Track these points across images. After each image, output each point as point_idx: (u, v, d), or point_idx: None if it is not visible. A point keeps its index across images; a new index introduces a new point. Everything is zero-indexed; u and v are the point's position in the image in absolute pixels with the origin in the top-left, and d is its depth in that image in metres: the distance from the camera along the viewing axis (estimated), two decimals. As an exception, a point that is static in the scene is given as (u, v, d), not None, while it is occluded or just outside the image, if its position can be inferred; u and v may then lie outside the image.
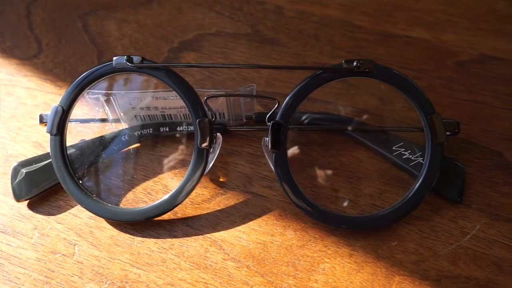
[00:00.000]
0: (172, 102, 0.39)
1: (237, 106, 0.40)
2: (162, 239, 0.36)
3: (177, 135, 0.41)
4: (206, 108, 0.36)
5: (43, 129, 0.40)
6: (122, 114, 0.40)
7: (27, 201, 0.39)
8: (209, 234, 0.36)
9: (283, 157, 0.36)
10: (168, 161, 0.40)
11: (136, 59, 0.37)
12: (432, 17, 0.48)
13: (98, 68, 0.37)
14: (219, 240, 0.36)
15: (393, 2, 0.50)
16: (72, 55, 0.48)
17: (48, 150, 0.38)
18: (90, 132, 0.41)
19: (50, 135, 0.37)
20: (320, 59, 0.46)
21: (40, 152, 0.41)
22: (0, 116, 0.44)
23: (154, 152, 0.41)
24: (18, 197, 0.38)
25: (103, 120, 0.41)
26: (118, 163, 0.40)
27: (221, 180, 0.39)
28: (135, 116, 0.41)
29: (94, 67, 0.38)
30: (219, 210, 0.38)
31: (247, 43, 0.47)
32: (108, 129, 0.41)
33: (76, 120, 0.41)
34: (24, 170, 0.38)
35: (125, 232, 0.37)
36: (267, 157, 0.37)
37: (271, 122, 0.36)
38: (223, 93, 0.39)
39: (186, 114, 0.40)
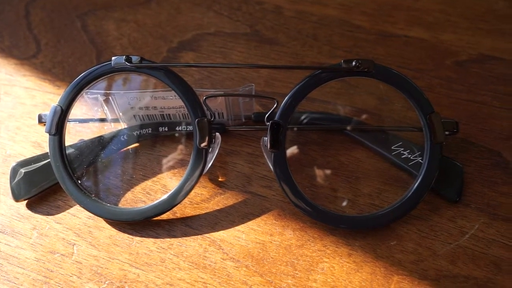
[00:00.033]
0: (171, 102, 0.39)
1: (236, 106, 0.40)
2: (161, 239, 0.36)
3: (176, 135, 0.41)
4: (205, 108, 0.36)
5: (42, 129, 0.40)
6: (121, 114, 0.40)
7: (26, 201, 0.39)
8: (208, 234, 0.36)
9: (282, 157, 0.36)
10: (167, 161, 0.40)
11: (135, 59, 0.37)
12: (431, 16, 0.48)
13: (97, 68, 0.37)
14: (218, 240, 0.36)
15: (392, 2, 0.50)
16: (71, 55, 0.48)
17: (47, 150, 0.38)
18: (89, 132, 0.41)
19: (49, 135, 0.37)
20: (319, 59, 0.46)
21: (39, 152, 0.41)
22: (-2, 116, 0.44)
23: (153, 152, 0.41)
24: (17, 197, 0.38)
25: (102, 120, 0.41)
26: (117, 163, 0.40)
27: (220, 180, 0.39)
28: (134, 116, 0.41)
29: (93, 67, 0.38)
30: (218, 210, 0.38)
31: (246, 43, 0.47)
32: (107, 129, 0.41)
33: (75, 120, 0.41)
34: (23, 170, 0.38)
35: (124, 232, 0.37)
36: (266, 156, 0.37)
37: (270, 122, 0.36)
38: (222, 93, 0.39)
39: (185, 114, 0.40)
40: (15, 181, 0.38)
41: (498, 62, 0.44)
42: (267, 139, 0.36)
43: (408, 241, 0.35)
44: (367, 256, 0.35)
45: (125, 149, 0.41)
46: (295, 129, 0.41)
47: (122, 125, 0.41)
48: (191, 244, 0.36)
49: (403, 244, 0.35)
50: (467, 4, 0.49)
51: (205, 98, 0.36)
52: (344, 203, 0.37)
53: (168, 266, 0.35)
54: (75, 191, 0.37)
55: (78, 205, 0.37)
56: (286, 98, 0.36)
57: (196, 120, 0.36)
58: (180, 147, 0.41)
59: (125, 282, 0.35)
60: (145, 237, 0.37)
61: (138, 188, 0.39)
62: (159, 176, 0.40)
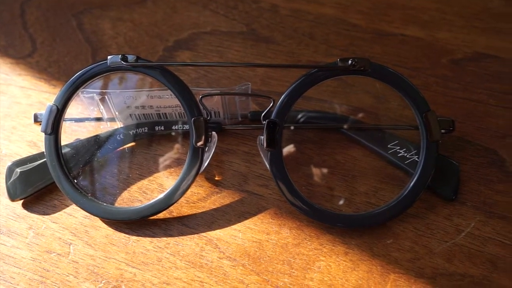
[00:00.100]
0: (167, 101, 0.39)
1: (233, 105, 0.40)
2: (158, 238, 0.36)
3: (172, 134, 0.41)
4: (201, 107, 0.36)
5: (38, 128, 0.40)
6: (117, 113, 0.40)
7: (22, 201, 0.38)
8: (204, 233, 0.36)
9: (278, 156, 0.36)
10: (163, 160, 0.40)
11: (130, 58, 0.37)
12: (426, 15, 0.48)
13: (92, 67, 0.37)
14: (214, 238, 0.36)
15: (388, 1, 0.50)
16: (67, 54, 0.47)
17: (42, 149, 0.38)
18: (85, 131, 0.41)
19: (45, 134, 0.37)
20: (315, 58, 0.46)
21: (34, 151, 0.41)
22: (-6, 116, 0.44)
23: (149, 151, 0.41)
24: (12, 197, 0.38)
25: (98, 119, 0.41)
26: (113, 162, 0.40)
27: (216, 179, 0.39)
28: (130, 115, 0.40)
29: (89, 66, 0.37)
30: (214, 209, 0.38)
31: (242, 42, 0.47)
32: (103, 128, 0.41)
33: (70, 119, 0.41)
34: (18, 170, 0.38)
35: (121, 231, 0.37)
36: (262, 155, 0.37)
37: (266, 120, 0.36)
38: (218, 91, 0.39)
39: (181, 113, 0.40)
40: (11, 180, 0.38)
41: (494, 60, 0.44)
42: (263, 138, 0.36)
43: (404, 239, 0.35)
44: (363, 255, 0.35)
45: (121, 148, 0.41)
46: (292, 128, 0.41)
47: (118, 124, 0.41)
48: (188, 243, 0.36)
49: (399, 242, 0.35)
50: (463, 3, 0.49)
51: (201, 97, 0.36)
52: (341, 202, 0.38)
53: (164, 265, 0.35)
54: (71, 190, 0.37)
55: (74, 205, 0.37)
56: (282, 97, 0.36)
57: (192, 119, 0.36)
58: (177, 146, 0.41)
59: (122, 282, 0.35)
60: (141, 236, 0.36)
61: (134, 187, 0.39)
62: (155, 175, 0.39)
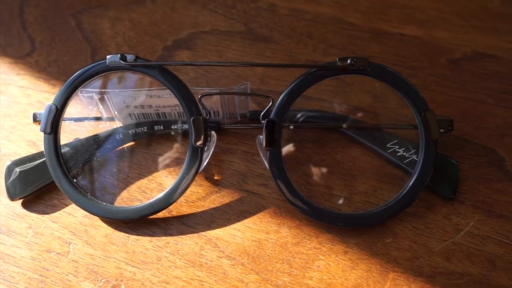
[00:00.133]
0: (166, 100, 0.39)
1: (232, 104, 0.40)
2: (157, 237, 0.36)
3: (172, 133, 0.41)
4: (200, 106, 0.36)
5: (37, 128, 0.40)
6: (116, 112, 0.40)
7: (21, 200, 0.38)
8: (204, 232, 0.36)
9: (277, 155, 0.36)
10: (162, 159, 0.40)
11: (130, 57, 0.37)
12: (424, 14, 0.48)
13: (91, 66, 0.37)
14: (214, 238, 0.36)
15: (386, 0, 0.50)
16: (66, 53, 0.47)
17: (42, 148, 0.38)
18: (84, 131, 0.41)
19: (44, 133, 0.37)
20: (314, 57, 0.46)
21: (34, 151, 0.41)
22: (-7, 115, 0.44)
23: (149, 151, 0.41)
24: (12, 196, 0.38)
25: (97, 119, 0.41)
26: (113, 162, 0.40)
27: (215, 178, 0.39)
28: (129, 114, 0.41)
29: (88, 66, 0.37)
30: (214, 208, 0.38)
31: (240, 41, 0.47)
32: (102, 127, 0.41)
33: (70, 119, 0.41)
34: (18, 169, 0.38)
35: (120, 230, 0.37)
36: (261, 155, 0.37)
37: (265, 120, 0.36)
38: (217, 91, 0.39)
39: (180, 112, 0.40)
40: (10, 180, 0.38)
41: (492, 60, 0.44)
42: (262, 137, 0.36)
43: (403, 239, 0.36)
44: (362, 254, 0.35)
45: (120, 147, 0.41)
46: (291, 127, 0.41)
47: (117, 124, 0.41)
48: (187, 242, 0.36)
49: (398, 241, 0.35)
50: (461, 2, 0.49)
51: (200, 97, 0.36)
52: (340, 201, 0.38)
53: (164, 264, 0.35)
54: (70, 190, 0.37)
55: (73, 204, 0.37)
56: (281, 96, 0.36)
57: (192, 118, 0.36)
58: (176, 145, 0.41)
59: (121, 281, 0.35)
60: (141, 235, 0.37)
61: (133, 187, 0.39)
62: (154, 174, 0.40)
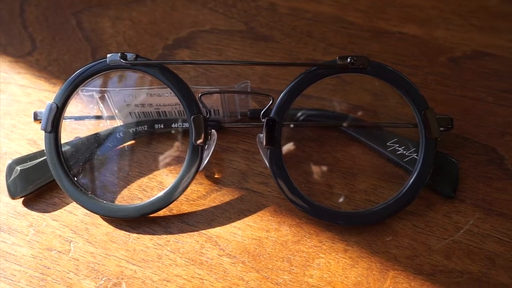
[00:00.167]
0: (166, 99, 0.39)
1: (232, 103, 0.40)
2: (158, 236, 0.36)
3: (172, 132, 0.41)
4: (200, 105, 0.36)
5: (38, 127, 0.40)
6: (116, 111, 0.40)
7: (22, 199, 0.39)
8: (204, 230, 0.37)
9: (277, 154, 0.36)
10: (163, 158, 0.40)
11: (130, 56, 0.37)
12: (424, 13, 0.48)
13: (92, 65, 0.37)
14: (214, 236, 0.36)
15: (386, -1, 0.50)
16: (66, 52, 0.47)
17: (42, 147, 0.38)
18: (85, 130, 0.41)
19: (45, 132, 0.37)
20: (314, 56, 0.46)
21: (34, 149, 0.41)
22: (-6, 114, 0.44)
23: (149, 149, 0.41)
24: (13, 195, 0.38)
25: (98, 117, 0.41)
26: (113, 160, 0.40)
27: (216, 176, 0.39)
28: (129, 113, 0.41)
29: (88, 64, 0.38)
30: (214, 206, 0.38)
31: (241, 40, 0.48)
32: (103, 126, 0.41)
33: (70, 118, 0.41)
34: (19, 168, 0.38)
35: (121, 228, 0.37)
36: (262, 153, 0.37)
37: (266, 118, 0.36)
38: (218, 89, 0.39)
39: (180, 111, 0.40)
40: (11, 178, 0.38)
41: (492, 58, 0.45)
42: (262, 135, 0.36)
43: (403, 237, 0.36)
44: (362, 252, 0.35)
45: (121, 146, 0.41)
46: (291, 125, 0.41)
47: (118, 123, 0.41)
48: (188, 241, 0.36)
49: (398, 239, 0.36)
50: (460, 1, 0.49)
51: (200, 95, 0.36)
52: (340, 199, 0.38)
53: (164, 262, 0.35)
54: (71, 188, 0.37)
55: (74, 202, 0.37)
56: (281, 94, 0.36)
57: (192, 117, 0.36)
58: (176, 144, 0.41)
59: (122, 279, 0.35)
60: (141, 233, 0.37)
61: (134, 185, 0.39)
62: (155, 173, 0.40)
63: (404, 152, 0.38)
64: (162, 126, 0.41)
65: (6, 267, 0.36)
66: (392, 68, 0.37)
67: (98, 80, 0.39)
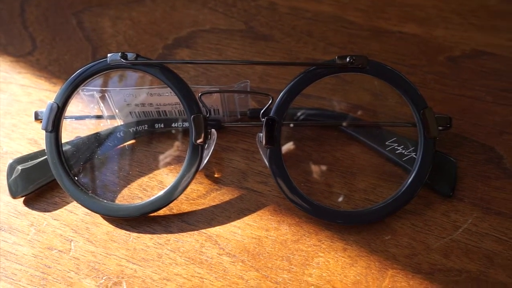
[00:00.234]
0: (166, 99, 0.39)
1: (232, 102, 0.40)
2: (158, 235, 0.37)
3: (172, 131, 0.41)
4: (200, 104, 0.37)
5: (38, 126, 0.40)
6: (117, 110, 0.41)
7: (23, 198, 0.39)
8: (204, 230, 0.37)
9: (277, 153, 0.36)
10: (163, 157, 0.40)
11: (130, 56, 0.37)
12: (423, 12, 0.48)
13: (92, 65, 0.38)
14: (214, 235, 0.36)
15: (386, -2, 0.50)
16: (67, 52, 0.48)
17: (43, 147, 0.38)
18: (85, 129, 0.41)
19: (46, 132, 0.37)
20: (314, 55, 0.46)
21: (35, 149, 0.41)
22: (-5, 114, 0.44)
23: (149, 149, 0.41)
24: (14, 194, 0.38)
25: (98, 117, 0.42)
26: (114, 160, 0.40)
27: (216, 176, 0.39)
28: (130, 112, 0.41)
29: (89, 64, 0.38)
30: (214, 205, 0.38)
31: (241, 40, 0.48)
32: (103, 125, 0.42)
33: (71, 117, 0.41)
34: (19, 167, 0.38)
35: (121, 228, 0.37)
36: (261, 152, 0.37)
37: (265, 118, 0.36)
38: (218, 89, 0.39)
39: (180, 111, 0.40)
40: (12, 178, 0.38)
41: (491, 57, 0.45)
42: (262, 135, 0.36)
43: (402, 236, 0.36)
44: (361, 251, 0.35)
45: (121, 145, 0.41)
46: (291, 125, 0.41)
47: (118, 122, 0.41)
48: (188, 240, 0.36)
49: (397, 238, 0.36)
50: (460, 0, 0.49)
51: (200, 95, 0.37)
52: (339, 198, 0.38)
53: (165, 261, 0.35)
54: (72, 187, 0.37)
55: (75, 202, 0.37)
56: (281, 94, 0.36)
57: (192, 116, 0.36)
58: (176, 143, 0.41)
59: (122, 278, 0.35)
60: (142, 233, 0.37)
61: (134, 185, 0.39)
62: (155, 172, 0.40)
63: (403, 151, 0.38)
64: (162, 125, 0.41)
65: (7, 266, 0.36)
66: (391, 67, 0.37)
67: (98, 80, 0.39)
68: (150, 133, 0.41)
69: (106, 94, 0.39)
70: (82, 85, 0.38)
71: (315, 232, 0.36)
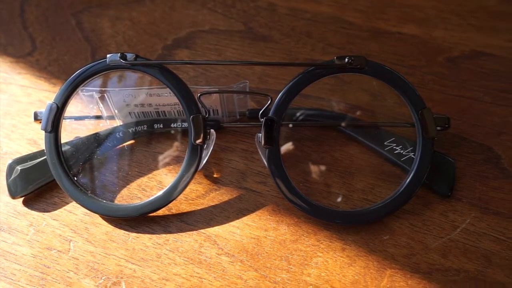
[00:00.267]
0: (166, 99, 0.39)
1: (231, 103, 0.40)
2: (157, 235, 0.37)
3: (171, 131, 0.41)
4: (199, 105, 0.37)
5: (38, 127, 0.41)
6: (116, 111, 0.41)
7: (23, 198, 0.39)
8: (203, 230, 0.37)
9: (276, 153, 0.36)
10: (162, 158, 0.40)
11: (129, 56, 0.37)
12: (423, 13, 0.48)
13: (92, 65, 0.38)
14: (213, 235, 0.36)
15: (385, -1, 0.50)
16: (66, 52, 0.48)
17: (43, 147, 0.38)
18: (85, 129, 0.41)
19: (45, 132, 0.38)
20: (313, 56, 0.46)
21: (35, 149, 0.41)
22: (-6, 114, 0.44)
23: (149, 149, 0.41)
24: (13, 194, 0.38)
25: (98, 117, 0.42)
26: (113, 160, 0.40)
27: (215, 176, 0.39)
28: (129, 113, 0.41)
29: (88, 65, 0.38)
30: (213, 205, 0.38)
31: (240, 40, 0.48)
32: (103, 126, 0.42)
33: (70, 118, 0.41)
34: (19, 167, 0.38)
35: (120, 228, 0.37)
36: (260, 153, 0.37)
37: (264, 118, 0.36)
38: (217, 89, 0.39)
39: (180, 111, 0.40)
40: (12, 178, 0.38)
41: (490, 58, 0.45)
42: (261, 135, 0.36)
43: (400, 236, 0.36)
44: (360, 251, 0.35)
45: (120, 146, 0.41)
46: (289, 125, 0.41)
47: (117, 122, 0.41)
48: (187, 240, 0.36)
49: (395, 238, 0.36)
50: (459, 1, 0.49)
51: (199, 95, 0.37)
52: (338, 199, 0.38)
53: (164, 261, 0.36)
54: (71, 188, 0.37)
55: (74, 202, 0.38)
56: (280, 94, 0.36)
57: (191, 116, 0.36)
58: (175, 143, 0.41)
59: (122, 278, 0.35)
60: (141, 233, 0.37)
61: (133, 185, 0.39)
62: (154, 172, 0.40)
63: (402, 151, 0.38)
64: (161, 126, 0.41)
65: (6, 266, 0.36)
66: (390, 68, 0.37)
67: (98, 80, 0.39)
68: (149, 133, 0.41)
69: (105, 95, 0.40)
70: (82, 85, 0.38)
71: (314, 232, 0.36)
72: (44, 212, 0.38)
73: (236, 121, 0.42)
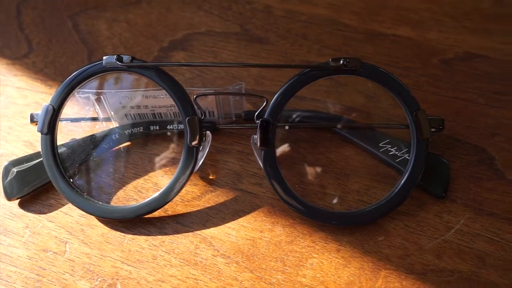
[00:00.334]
0: (162, 101, 0.40)
1: (227, 105, 0.40)
2: (153, 236, 0.37)
3: (167, 133, 0.41)
4: (195, 107, 0.37)
5: (34, 128, 0.41)
6: (112, 113, 0.41)
7: (18, 200, 0.39)
8: (199, 231, 0.37)
9: (271, 155, 0.36)
10: (158, 159, 0.41)
11: (126, 58, 0.37)
12: (417, 15, 0.49)
13: (88, 67, 0.38)
14: (209, 236, 0.37)
15: (380, 1, 0.50)
16: (63, 54, 0.48)
17: (39, 149, 0.38)
18: (81, 131, 0.41)
19: (41, 134, 0.38)
20: (308, 58, 0.46)
21: (31, 151, 0.41)
22: (-9, 116, 0.44)
23: (145, 151, 0.41)
24: (9, 196, 0.38)
25: (94, 119, 0.42)
26: (109, 162, 0.41)
27: (210, 177, 0.40)
28: (125, 115, 0.41)
29: (85, 67, 0.38)
30: (208, 207, 0.38)
31: (236, 42, 0.48)
32: (99, 128, 0.42)
33: (66, 119, 0.41)
34: (15, 169, 0.38)
35: (116, 229, 0.37)
36: (256, 154, 0.37)
37: (260, 120, 0.36)
38: (213, 91, 0.39)
39: (176, 113, 0.41)
40: (7, 180, 0.38)
41: (484, 60, 0.45)
42: (257, 137, 0.36)
43: (395, 237, 0.36)
44: (355, 252, 0.35)
45: (116, 147, 0.41)
46: (285, 127, 0.41)
47: (113, 124, 0.42)
48: (182, 241, 0.36)
49: (390, 239, 0.36)
50: (453, 3, 0.49)
51: (195, 97, 0.37)
52: (333, 200, 0.38)
53: (159, 263, 0.36)
54: (67, 189, 0.37)
55: (70, 204, 0.38)
56: (275, 96, 0.37)
57: (187, 118, 0.37)
58: (171, 145, 0.41)
59: (117, 279, 0.35)
60: (137, 234, 0.37)
61: (129, 186, 0.39)
62: (150, 174, 0.40)
63: (396, 152, 0.39)
64: (157, 127, 0.41)
65: (1, 269, 0.36)
66: (384, 69, 0.37)
67: (94, 82, 0.39)
68: (145, 135, 0.42)
69: (101, 97, 0.40)
70: (78, 87, 0.38)
71: (309, 234, 0.36)
72: (40, 214, 0.38)
73: (232, 122, 0.42)
